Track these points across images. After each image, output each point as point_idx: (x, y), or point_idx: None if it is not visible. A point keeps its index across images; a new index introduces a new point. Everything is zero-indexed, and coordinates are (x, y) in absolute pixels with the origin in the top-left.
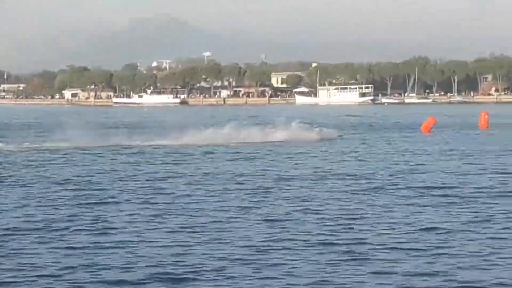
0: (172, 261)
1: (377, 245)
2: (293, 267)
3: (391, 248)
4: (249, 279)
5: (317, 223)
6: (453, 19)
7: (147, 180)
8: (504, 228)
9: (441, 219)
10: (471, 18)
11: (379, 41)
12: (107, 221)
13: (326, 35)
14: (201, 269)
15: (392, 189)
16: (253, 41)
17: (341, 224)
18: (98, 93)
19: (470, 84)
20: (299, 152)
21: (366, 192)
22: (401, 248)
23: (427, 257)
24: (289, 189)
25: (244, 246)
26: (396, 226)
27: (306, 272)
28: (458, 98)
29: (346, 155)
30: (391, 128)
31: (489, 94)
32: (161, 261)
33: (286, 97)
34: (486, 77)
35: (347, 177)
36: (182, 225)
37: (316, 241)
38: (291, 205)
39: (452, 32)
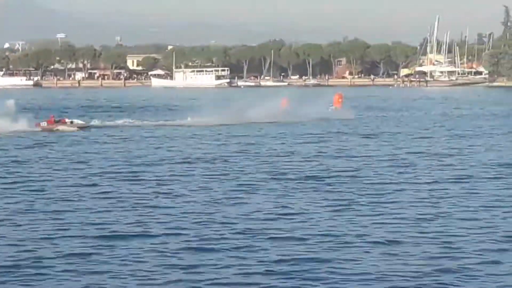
0: None
1: None
2: None
3: None
4: None
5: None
6: (309, 2)
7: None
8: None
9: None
10: (326, 2)
11: (235, 24)
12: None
13: (181, 17)
14: None
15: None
16: (108, 23)
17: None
18: None
19: (324, 67)
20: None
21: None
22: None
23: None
24: None
25: None
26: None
27: None
28: (313, 81)
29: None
30: None
31: (343, 77)
32: None
33: (142, 79)
34: (340, 61)
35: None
36: None
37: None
38: None
39: (308, 15)
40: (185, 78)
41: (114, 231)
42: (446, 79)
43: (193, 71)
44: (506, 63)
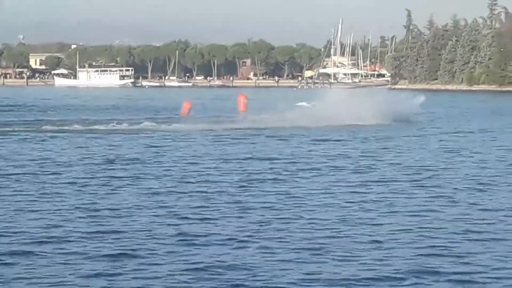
0: None
1: None
2: None
3: None
4: None
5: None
6: (213, 3)
7: None
8: None
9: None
10: (230, 3)
11: (139, 23)
12: None
13: (84, 16)
14: None
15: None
16: (11, 21)
17: None
18: None
19: (229, 68)
20: None
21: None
22: None
23: None
24: None
25: None
26: None
27: None
28: (218, 82)
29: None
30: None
31: (248, 78)
32: None
33: (45, 79)
34: (245, 62)
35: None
36: None
37: None
38: None
39: (211, 16)
40: (89, 78)
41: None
42: (349, 81)
43: (97, 70)
44: (408, 66)
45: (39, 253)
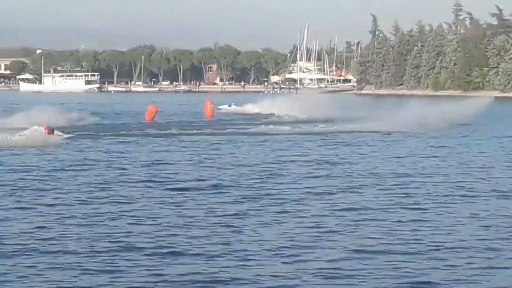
0: None
1: None
2: None
3: None
4: None
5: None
6: (177, 8)
7: None
8: None
9: None
10: (196, 8)
11: (104, 28)
12: None
13: (49, 21)
14: None
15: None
16: None
17: None
18: None
19: (195, 73)
20: None
21: None
22: None
23: None
24: None
25: None
26: None
27: None
28: (184, 87)
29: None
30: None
31: (214, 84)
32: None
33: (10, 83)
34: (211, 67)
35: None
36: None
37: None
38: None
39: (177, 21)
40: (54, 83)
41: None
42: (316, 86)
43: (63, 75)
44: (373, 71)
45: None
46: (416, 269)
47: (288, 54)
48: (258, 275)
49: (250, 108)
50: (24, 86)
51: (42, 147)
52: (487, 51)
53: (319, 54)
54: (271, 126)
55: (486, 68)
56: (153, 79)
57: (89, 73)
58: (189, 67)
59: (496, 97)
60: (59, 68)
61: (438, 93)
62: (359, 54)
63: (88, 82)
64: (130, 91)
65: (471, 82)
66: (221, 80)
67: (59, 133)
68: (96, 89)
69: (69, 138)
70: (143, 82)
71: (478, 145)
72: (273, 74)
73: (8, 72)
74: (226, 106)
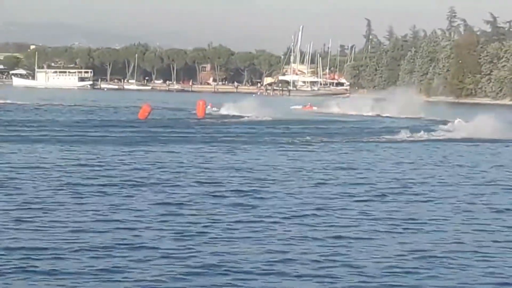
0: None
1: None
2: None
3: None
4: None
5: None
6: (173, 8)
7: None
8: None
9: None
10: (190, 8)
11: (98, 26)
12: None
13: (42, 16)
14: None
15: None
16: None
17: None
18: None
19: (189, 73)
20: None
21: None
22: None
23: None
24: None
25: None
26: None
27: None
28: (177, 86)
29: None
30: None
31: (208, 84)
32: None
33: (3, 78)
34: (205, 67)
35: None
36: None
37: None
38: None
39: (171, 20)
40: (48, 79)
41: None
42: (308, 89)
43: (56, 71)
44: (367, 75)
45: None
46: None
47: (282, 56)
48: None
49: (336, 108)
50: (17, 81)
51: None
52: (480, 58)
53: (312, 57)
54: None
55: (479, 75)
56: (146, 78)
57: (83, 70)
58: (183, 67)
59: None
60: (53, 64)
61: (430, 99)
62: (352, 58)
63: (81, 79)
64: (123, 88)
65: (463, 89)
66: (214, 80)
67: None
68: (89, 86)
69: None
70: (136, 80)
71: None
72: (266, 76)
73: (1, 67)
74: (299, 107)
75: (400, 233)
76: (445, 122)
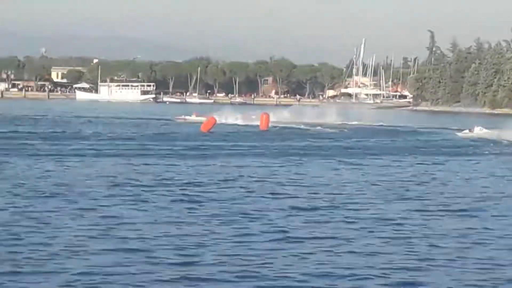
0: None
1: None
2: None
3: None
4: None
5: None
6: (234, 22)
7: None
8: None
9: None
10: (252, 21)
11: (160, 40)
12: None
13: (105, 30)
14: None
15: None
16: (32, 35)
17: None
18: None
19: (251, 86)
20: None
21: None
22: None
23: None
24: None
25: None
26: None
27: None
28: (239, 99)
29: None
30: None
31: (270, 97)
32: None
33: (66, 92)
34: (267, 80)
35: None
36: None
37: None
38: None
39: (233, 34)
40: (110, 92)
41: None
42: (371, 101)
43: (119, 85)
44: (430, 88)
45: None
46: None
47: (344, 69)
48: None
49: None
50: (80, 95)
51: None
52: None
53: (375, 69)
54: None
55: None
56: (208, 91)
57: (145, 84)
58: (245, 80)
59: None
60: (116, 77)
61: (495, 111)
62: (415, 70)
63: (144, 92)
64: (185, 102)
65: None
66: (276, 93)
67: None
68: (151, 99)
69: None
70: (198, 94)
71: None
72: (328, 88)
73: (64, 81)
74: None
75: None
76: None
